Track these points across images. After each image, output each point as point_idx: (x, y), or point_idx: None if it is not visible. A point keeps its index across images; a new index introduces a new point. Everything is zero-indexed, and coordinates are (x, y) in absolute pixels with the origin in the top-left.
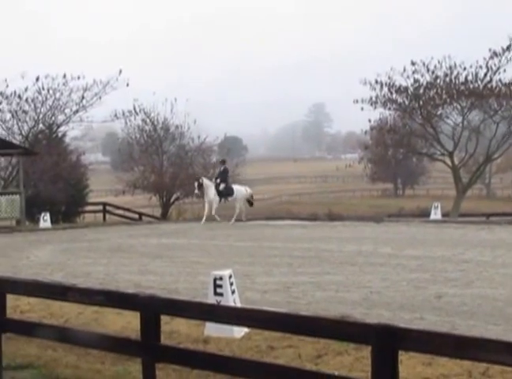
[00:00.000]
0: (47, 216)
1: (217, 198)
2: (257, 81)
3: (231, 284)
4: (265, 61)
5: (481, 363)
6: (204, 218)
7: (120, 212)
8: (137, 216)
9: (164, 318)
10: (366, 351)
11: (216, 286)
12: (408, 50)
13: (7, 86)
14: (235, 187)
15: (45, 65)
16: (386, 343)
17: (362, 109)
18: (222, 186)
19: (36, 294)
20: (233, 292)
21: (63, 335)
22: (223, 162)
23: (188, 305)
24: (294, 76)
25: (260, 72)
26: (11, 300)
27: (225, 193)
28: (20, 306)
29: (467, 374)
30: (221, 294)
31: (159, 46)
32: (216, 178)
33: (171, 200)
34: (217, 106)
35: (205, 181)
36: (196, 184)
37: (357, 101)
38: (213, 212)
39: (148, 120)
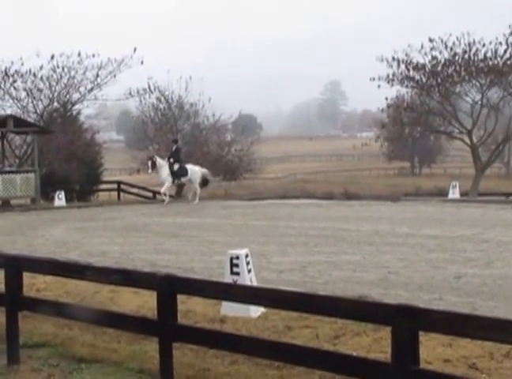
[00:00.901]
0: (62, 195)
1: (170, 178)
2: (272, 58)
3: (248, 263)
4: (278, 36)
5: (504, 345)
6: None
7: (134, 190)
8: (151, 195)
9: (180, 297)
10: (384, 332)
11: (232, 265)
12: (427, 26)
13: (22, 64)
14: (189, 167)
15: (60, 44)
16: (407, 323)
17: (379, 86)
18: (176, 166)
19: (52, 273)
20: (249, 271)
21: (79, 313)
22: (175, 141)
23: (205, 284)
24: (309, 52)
25: (275, 47)
26: (27, 278)
27: (179, 174)
28: (36, 284)
29: (488, 356)
30: (238, 274)
31: (173, 23)
32: (169, 158)
33: None
34: (231, 84)
35: (159, 160)
36: (149, 163)
37: (374, 79)
38: (162, 190)
39: (162, 98)
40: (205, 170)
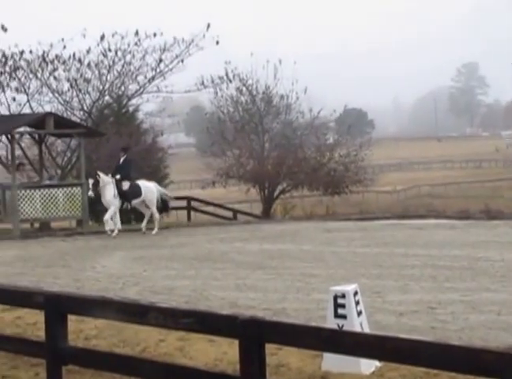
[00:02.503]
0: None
1: (117, 201)
2: (386, 36)
3: (357, 303)
4: (395, 8)
5: None
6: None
7: (209, 208)
8: (231, 214)
9: (269, 347)
10: None
11: (337, 305)
12: None
13: (64, 47)
14: (142, 184)
15: (111, 21)
16: None
17: None
18: (126, 185)
19: (105, 316)
20: (359, 314)
21: (139, 368)
22: (124, 149)
23: (300, 331)
24: (436, 33)
25: (389, 23)
26: (73, 323)
27: (130, 194)
28: (84, 331)
29: None
30: (344, 317)
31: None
32: (115, 173)
33: (275, 193)
34: (335, 73)
35: (102, 176)
36: (91, 182)
37: None
38: (107, 217)
39: (244, 89)
40: (162, 189)
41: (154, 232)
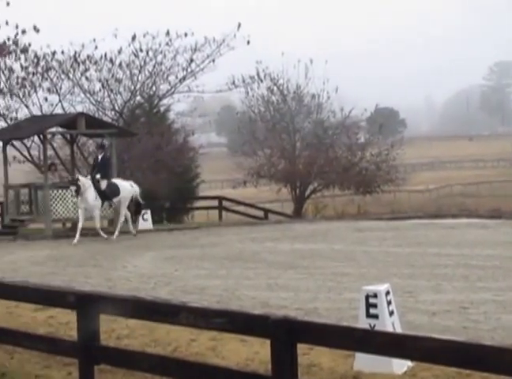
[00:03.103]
0: (148, 215)
1: (99, 203)
2: (418, 35)
3: (389, 303)
4: (427, 6)
5: None
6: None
7: (240, 208)
8: (262, 214)
9: (301, 347)
10: None
11: (369, 305)
12: None
13: (96, 48)
14: (119, 183)
15: (143, 21)
16: None
17: None
18: (104, 184)
19: (137, 315)
20: (391, 313)
21: (171, 367)
22: (101, 147)
23: (332, 331)
24: (468, 32)
25: (421, 21)
26: (105, 322)
27: (109, 193)
28: (116, 330)
29: None
30: (376, 316)
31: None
32: (93, 172)
33: (307, 192)
34: (367, 72)
35: (82, 180)
36: (74, 188)
37: None
38: (98, 225)
39: (275, 88)
40: (137, 188)
41: (114, 237)
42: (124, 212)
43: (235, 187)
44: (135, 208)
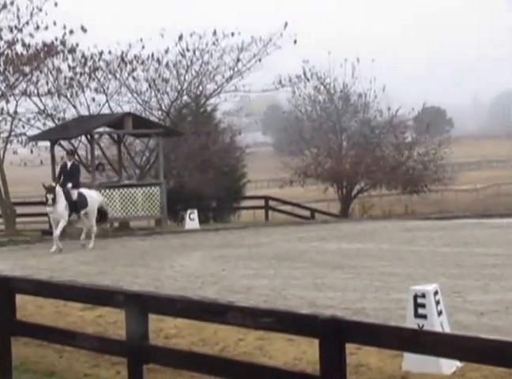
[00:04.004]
0: (195, 214)
1: (67, 213)
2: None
3: (438, 303)
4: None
5: None
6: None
7: (287, 208)
8: (308, 214)
9: (349, 347)
10: None
11: (417, 305)
12: None
13: (143, 48)
14: (86, 193)
15: (189, 20)
16: None
17: None
18: (75, 194)
19: (185, 315)
20: (440, 313)
21: (219, 367)
22: (71, 153)
23: (380, 330)
24: None
25: (466, 15)
26: (153, 322)
27: (80, 204)
28: (164, 330)
29: None
30: (424, 316)
31: None
32: (65, 181)
33: (353, 192)
34: (412, 70)
35: (57, 188)
36: (51, 196)
37: None
38: (58, 233)
39: (322, 87)
40: (102, 198)
41: (90, 246)
42: (93, 223)
43: (281, 187)
44: (100, 217)
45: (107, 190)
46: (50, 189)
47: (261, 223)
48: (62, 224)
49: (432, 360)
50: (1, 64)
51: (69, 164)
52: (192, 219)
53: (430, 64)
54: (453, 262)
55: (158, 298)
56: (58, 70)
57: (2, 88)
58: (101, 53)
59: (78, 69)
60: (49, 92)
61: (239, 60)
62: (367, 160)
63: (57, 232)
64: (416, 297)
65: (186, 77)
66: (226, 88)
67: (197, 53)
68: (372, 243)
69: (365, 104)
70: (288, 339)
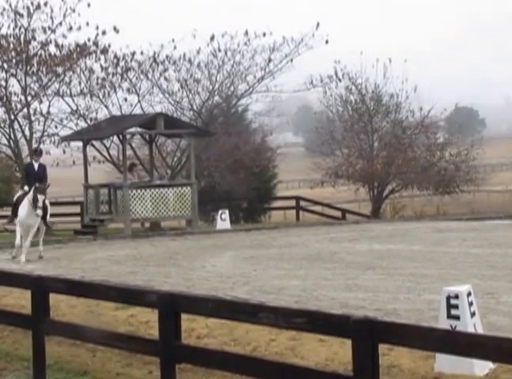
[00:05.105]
0: (226, 214)
1: (39, 218)
2: (499, 37)
3: (471, 304)
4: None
5: None
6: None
7: (318, 208)
8: (339, 214)
9: (381, 348)
10: None
11: (450, 306)
12: None
13: (174, 48)
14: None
15: (221, 21)
16: None
17: None
18: (41, 198)
19: (216, 315)
20: (473, 315)
21: (251, 367)
22: (39, 153)
23: (413, 332)
24: None
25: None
26: (185, 321)
27: (44, 210)
28: (196, 329)
29: None
30: (457, 318)
31: None
32: (30, 183)
33: (385, 192)
34: (444, 71)
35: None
36: (42, 199)
37: None
38: (28, 243)
39: (353, 88)
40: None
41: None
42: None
43: (312, 187)
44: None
45: (139, 190)
46: (41, 190)
47: (292, 223)
48: (33, 230)
49: (465, 361)
50: (35, 64)
51: (35, 165)
52: (223, 220)
53: (462, 65)
54: (486, 263)
55: (190, 297)
56: (91, 71)
57: (35, 88)
58: (133, 53)
59: (110, 70)
60: (81, 93)
61: (270, 60)
62: (398, 161)
63: (28, 240)
64: (448, 298)
65: (218, 78)
66: (257, 89)
67: (229, 53)
68: (404, 244)
69: (397, 105)
70: (319, 340)
